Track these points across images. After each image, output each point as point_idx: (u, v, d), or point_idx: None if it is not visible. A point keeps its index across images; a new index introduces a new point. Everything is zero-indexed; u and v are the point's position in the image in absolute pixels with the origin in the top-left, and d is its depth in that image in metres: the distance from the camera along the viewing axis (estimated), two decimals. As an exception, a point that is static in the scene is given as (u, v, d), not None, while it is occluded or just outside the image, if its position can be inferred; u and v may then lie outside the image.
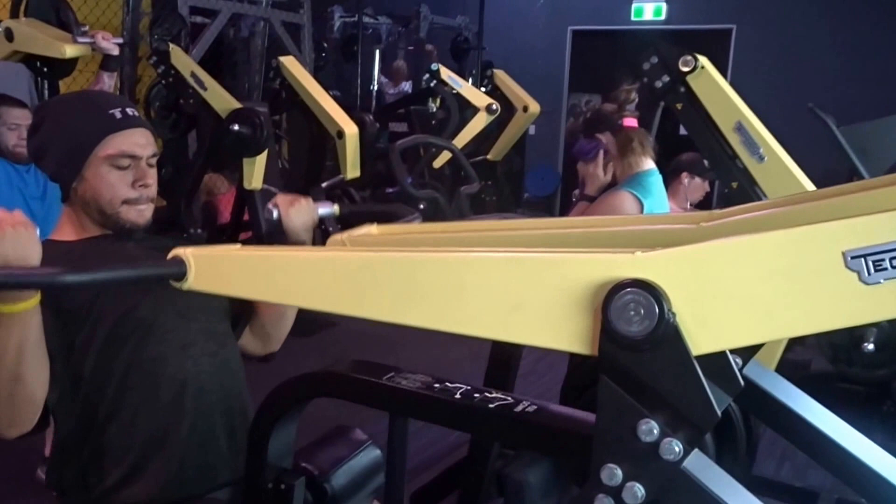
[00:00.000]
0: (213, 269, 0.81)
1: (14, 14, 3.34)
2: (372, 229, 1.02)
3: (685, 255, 0.62)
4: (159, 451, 1.15)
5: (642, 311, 0.62)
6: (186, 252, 0.80)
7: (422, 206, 4.37)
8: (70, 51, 2.77)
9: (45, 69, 2.97)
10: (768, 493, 1.66)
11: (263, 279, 0.80)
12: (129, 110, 1.19)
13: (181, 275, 0.80)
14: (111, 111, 1.17)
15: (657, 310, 0.61)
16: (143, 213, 1.20)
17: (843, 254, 0.56)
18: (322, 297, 0.77)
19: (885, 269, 0.55)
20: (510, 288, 0.67)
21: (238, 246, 0.84)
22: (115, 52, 2.88)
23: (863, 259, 0.56)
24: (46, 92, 3.03)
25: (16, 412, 1.00)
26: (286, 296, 0.82)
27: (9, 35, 2.97)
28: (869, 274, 0.56)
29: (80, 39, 2.79)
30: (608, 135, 2.29)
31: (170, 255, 0.81)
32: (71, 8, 3.01)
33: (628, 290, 0.62)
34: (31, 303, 0.97)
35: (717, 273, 0.61)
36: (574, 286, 0.65)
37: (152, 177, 1.21)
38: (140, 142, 1.19)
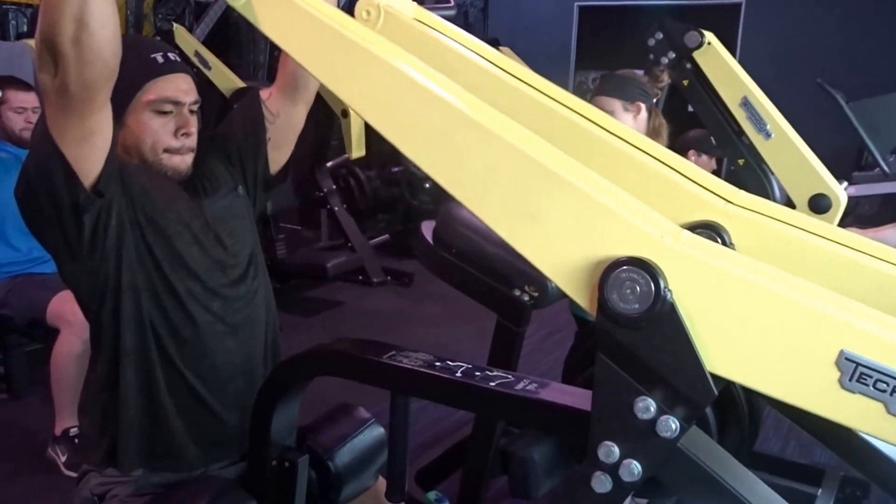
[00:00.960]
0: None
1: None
2: (409, 7, 0.96)
3: (691, 259, 0.61)
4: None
5: (638, 289, 0.61)
6: None
7: (426, 185, 4.36)
8: None
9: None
10: (774, 471, 1.66)
11: (302, 36, 0.74)
12: (171, 55, 1.17)
13: None
14: (153, 55, 1.14)
15: (653, 287, 0.61)
16: (185, 160, 1.18)
17: (841, 351, 0.56)
18: (349, 91, 0.73)
19: (867, 385, 0.56)
20: (533, 192, 0.64)
21: None
22: None
23: (854, 366, 0.56)
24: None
25: (84, 64, 0.93)
26: (314, 67, 0.75)
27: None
28: (850, 380, 0.56)
29: None
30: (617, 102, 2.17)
31: None
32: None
33: (624, 268, 0.62)
34: None
35: (717, 295, 0.60)
36: (582, 239, 0.64)
37: (194, 124, 1.19)
38: (182, 87, 1.16)
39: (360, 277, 3.91)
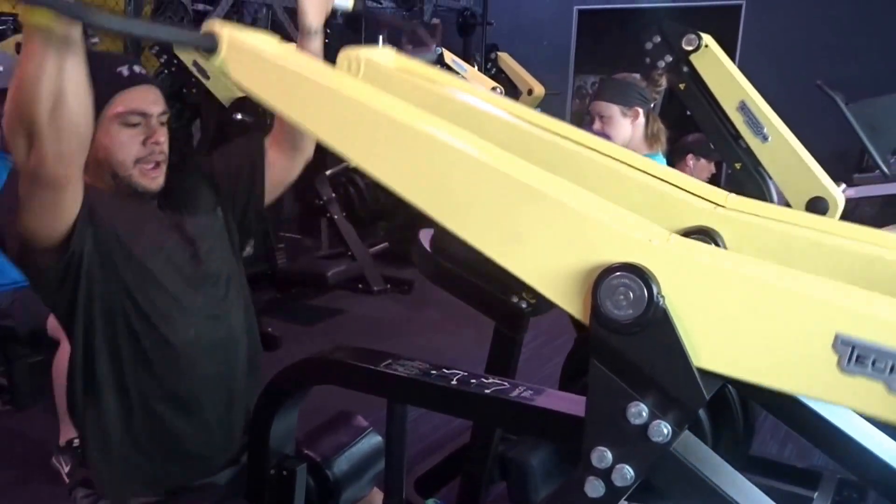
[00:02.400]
0: (242, 58, 0.76)
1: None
2: (389, 56, 0.97)
3: (683, 258, 0.61)
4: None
5: (631, 295, 0.62)
6: (223, 30, 0.75)
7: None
8: None
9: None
10: (770, 474, 1.65)
11: (282, 90, 0.74)
12: (136, 68, 1.18)
13: (212, 48, 0.75)
14: (119, 69, 1.16)
15: (646, 293, 0.61)
16: (155, 179, 1.18)
17: (836, 334, 0.56)
18: (329, 132, 0.73)
19: (865, 366, 0.55)
20: (513, 211, 0.65)
21: (275, 40, 0.78)
22: None
23: (850, 347, 0.56)
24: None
25: (61, 137, 0.93)
26: (300, 118, 0.75)
27: (20, 50, 2.97)
28: (848, 363, 0.56)
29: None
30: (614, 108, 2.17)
31: (204, 29, 0.76)
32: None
33: (618, 273, 0.62)
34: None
35: (710, 292, 0.60)
36: (570, 251, 0.64)
37: (163, 135, 1.19)
38: (149, 98, 1.18)
39: (361, 285, 3.91)
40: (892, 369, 0.54)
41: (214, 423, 1.19)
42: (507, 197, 0.65)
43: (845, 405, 0.58)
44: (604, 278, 0.62)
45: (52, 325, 2.30)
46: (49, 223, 1.03)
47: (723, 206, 0.88)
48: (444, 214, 0.68)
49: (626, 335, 0.63)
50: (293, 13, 4.97)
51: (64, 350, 2.24)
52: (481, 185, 0.66)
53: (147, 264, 1.15)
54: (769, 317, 0.58)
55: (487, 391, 0.83)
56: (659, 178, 0.89)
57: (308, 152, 1.31)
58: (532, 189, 0.64)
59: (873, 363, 0.55)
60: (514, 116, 0.94)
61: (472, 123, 0.87)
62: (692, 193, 0.89)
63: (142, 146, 1.16)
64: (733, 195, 0.90)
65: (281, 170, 1.30)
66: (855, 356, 0.55)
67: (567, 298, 0.65)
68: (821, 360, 0.56)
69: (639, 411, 0.63)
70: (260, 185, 1.29)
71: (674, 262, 0.61)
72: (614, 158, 0.91)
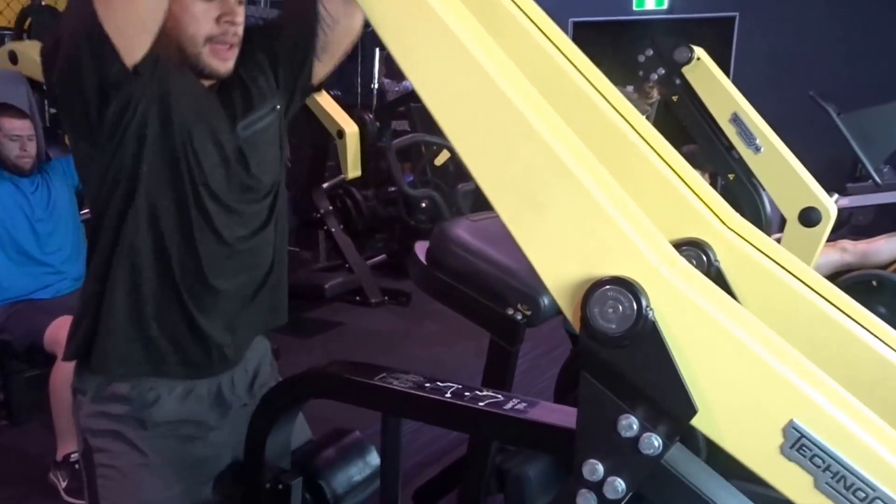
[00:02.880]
0: None
1: (18, 36, 3.37)
2: None
3: (678, 292, 0.62)
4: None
5: (621, 308, 0.62)
6: None
7: (423, 205, 4.38)
8: None
9: (46, 88, 3.01)
10: (764, 485, 1.65)
11: None
12: None
13: None
14: None
15: (635, 306, 0.62)
16: (226, 62, 1.08)
17: (791, 420, 0.58)
18: (391, 35, 0.71)
19: (805, 457, 0.58)
20: (545, 183, 0.65)
21: None
22: None
23: (800, 437, 0.58)
24: (47, 113, 3.05)
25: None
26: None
27: (13, 58, 3.00)
28: (790, 448, 0.58)
29: None
30: None
31: None
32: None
33: (607, 287, 0.63)
34: None
35: (695, 330, 0.62)
36: (582, 241, 0.64)
37: (241, 15, 1.08)
38: None
39: (359, 298, 3.92)
40: (826, 468, 0.57)
41: (222, 328, 1.14)
42: (542, 165, 0.65)
43: (772, 483, 0.60)
44: (595, 289, 0.63)
45: (50, 338, 2.30)
46: (125, 20, 0.93)
47: (726, 226, 0.90)
48: (475, 160, 0.68)
49: (615, 348, 0.63)
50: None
51: (61, 365, 2.24)
52: (522, 143, 0.65)
53: (202, 159, 1.07)
54: (739, 379, 0.61)
55: (481, 404, 0.83)
56: (682, 179, 0.90)
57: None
58: (567, 170, 0.64)
59: (812, 458, 0.58)
60: (572, 67, 0.91)
61: (530, 57, 0.87)
62: (705, 203, 0.90)
63: (215, 24, 1.06)
64: (739, 217, 0.92)
65: (347, 21, 1.16)
66: (799, 444, 0.58)
67: (564, 295, 0.65)
68: (768, 435, 0.59)
69: (629, 424, 0.64)
70: (313, 48, 1.17)
71: (671, 291, 0.62)
72: (649, 144, 0.91)
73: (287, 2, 1.27)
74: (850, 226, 3.57)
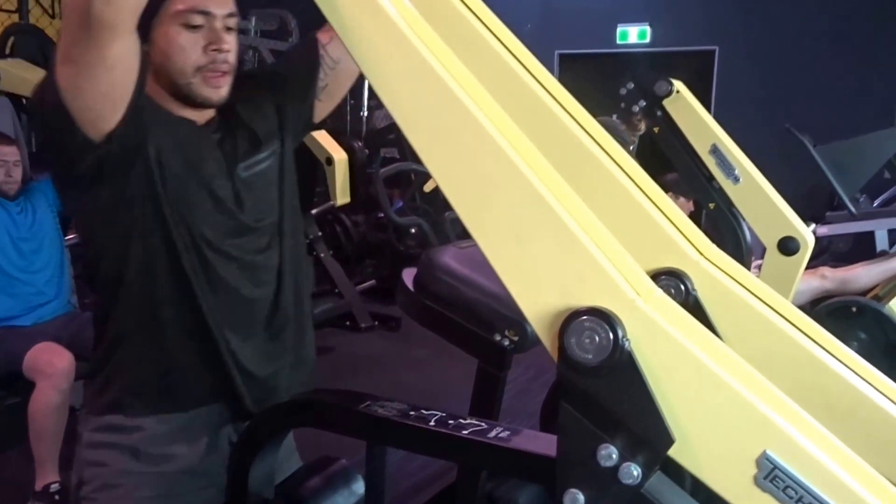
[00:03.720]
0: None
1: (0, 55, 3.38)
2: None
3: (654, 324, 0.64)
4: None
5: (597, 339, 0.64)
6: None
7: (413, 231, 4.41)
8: None
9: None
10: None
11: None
12: None
13: None
14: None
15: (612, 337, 0.63)
16: (219, 89, 1.07)
17: (765, 451, 0.59)
18: (372, 67, 0.71)
19: (778, 488, 0.59)
20: (525, 216, 0.65)
21: None
22: None
23: (773, 469, 0.59)
24: (34, 133, 3.06)
25: None
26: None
27: None
28: (764, 479, 0.59)
29: None
30: None
31: None
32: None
33: (584, 317, 0.64)
34: None
35: (672, 362, 0.63)
36: (560, 274, 0.65)
37: (229, 42, 1.07)
38: None
39: (348, 323, 3.91)
40: (798, 500, 0.58)
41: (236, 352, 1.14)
42: (522, 199, 0.65)
43: None
44: (571, 321, 0.65)
45: (29, 365, 2.28)
46: (93, 86, 0.92)
47: (703, 256, 0.91)
48: (456, 192, 0.68)
49: (592, 378, 0.64)
50: (278, 55, 5.06)
51: (40, 392, 2.21)
52: (502, 176, 0.66)
53: (194, 209, 1.07)
54: (713, 411, 0.61)
55: (465, 432, 0.84)
56: (659, 209, 0.92)
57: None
58: (548, 205, 0.65)
59: (785, 489, 0.58)
60: (547, 95, 0.92)
61: (506, 85, 0.87)
62: (682, 234, 0.92)
63: (203, 53, 1.05)
64: (714, 248, 0.94)
65: (347, 64, 1.17)
66: (772, 476, 0.59)
67: (542, 324, 0.66)
68: (742, 466, 0.60)
69: (609, 454, 0.64)
70: (315, 88, 1.19)
71: (647, 323, 0.63)
72: (626, 173, 0.92)
73: (290, 50, 1.30)
74: (830, 253, 3.63)
